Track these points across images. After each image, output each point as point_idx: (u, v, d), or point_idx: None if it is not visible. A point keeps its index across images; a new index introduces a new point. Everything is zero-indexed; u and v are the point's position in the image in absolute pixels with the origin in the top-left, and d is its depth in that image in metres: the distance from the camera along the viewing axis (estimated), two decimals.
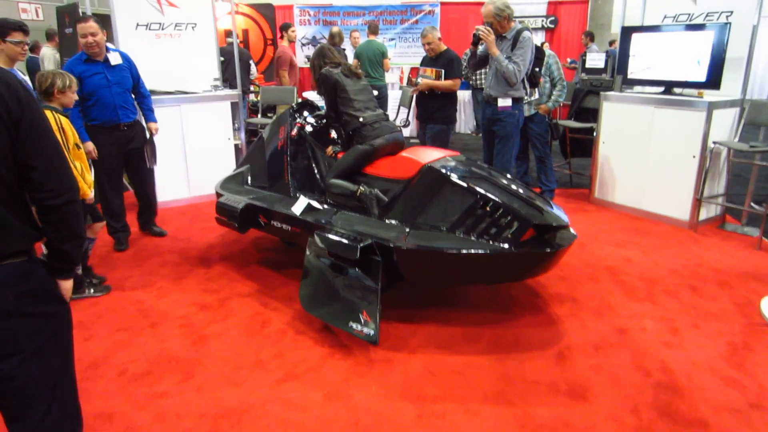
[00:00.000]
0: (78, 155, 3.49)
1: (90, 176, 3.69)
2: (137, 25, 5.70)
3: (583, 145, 6.50)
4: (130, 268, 4.17)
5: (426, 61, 5.47)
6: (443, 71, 5.22)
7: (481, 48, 4.86)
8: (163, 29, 5.82)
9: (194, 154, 5.86)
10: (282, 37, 8.33)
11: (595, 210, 5.64)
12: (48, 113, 3.33)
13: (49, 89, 3.41)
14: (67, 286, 1.84)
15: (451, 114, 5.40)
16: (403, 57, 11.08)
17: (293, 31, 8.29)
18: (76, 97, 3.57)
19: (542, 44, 9.84)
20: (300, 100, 5.12)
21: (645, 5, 5.65)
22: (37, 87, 3.44)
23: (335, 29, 7.95)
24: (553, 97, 5.66)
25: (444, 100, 5.30)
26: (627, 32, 5.47)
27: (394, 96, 8.80)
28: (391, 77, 9.14)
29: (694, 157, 4.91)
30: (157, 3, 5.78)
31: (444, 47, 5.37)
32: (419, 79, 5.31)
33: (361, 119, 3.74)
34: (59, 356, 1.80)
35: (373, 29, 8.09)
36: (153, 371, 2.91)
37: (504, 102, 4.89)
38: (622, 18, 5.87)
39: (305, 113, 4.27)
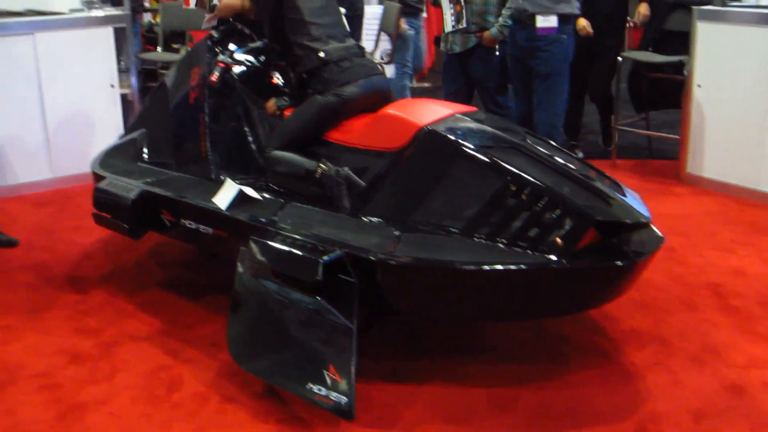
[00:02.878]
0: None
1: None
2: None
3: (669, 91, 6.45)
4: None
5: None
6: None
7: None
8: None
9: (58, 112, 5.78)
10: None
11: (688, 193, 5.63)
12: None
13: None
14: None
15: None
16: None
17: None
18: None
19: None
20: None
21: None
22: None
23: None
24: (501, 18, 5.44)
25: None
26: None
27: (372, 14, 8.62)
28: None
29: None
30: None
31: None
32: (215, 0, 5.05)
33: (321, 54, 3.72)
34: None
35: None
36: None
37: (546, 22, 4.88)
38: None
39: (232, 46, 4.21)
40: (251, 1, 4.02)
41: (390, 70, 7.71)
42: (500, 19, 5.37)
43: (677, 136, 6.06)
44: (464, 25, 5.28)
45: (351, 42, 3.85)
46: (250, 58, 4.14)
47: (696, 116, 5.69)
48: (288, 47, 3.83)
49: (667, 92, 6.52)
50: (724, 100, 5.52)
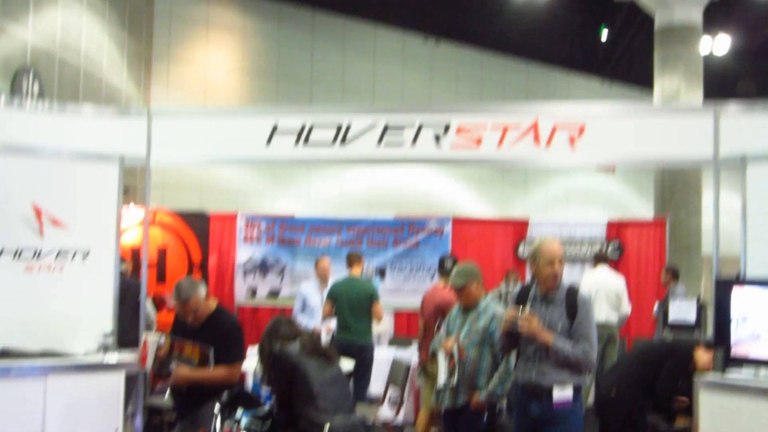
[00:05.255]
0: None
1: None
2: (2, 250, 5.80)
3: None
4: None
5: (189, 332, 5.20)
6: (212, 350, 4.96)
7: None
8: (38, 258, 5.93)
9: None
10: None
11: None
12: None
13: None
14: None
15: None
16: (397, 296, 11.19)
17: None
18: None
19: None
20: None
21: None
22: None
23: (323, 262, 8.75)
24: (491, 384, 5.23)
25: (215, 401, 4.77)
26: (724, 287, 5.57)
27: (381, 359, 8.64)
28: (378, 329, 9.19)
29: None
30: (35, 220, 5.92)
31: (213, 306, 5.18)
32: (172, 365, 5.10)
33: (326, 428, 3.77)
34: None
35: (355, 259, 8.42)
36: None
37: (562, 393, 4.81)
38: (715, 235, 5.98)
39: (239, 411, 4.24)
40: (263, 367, 4.13)
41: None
42: (490, 385, 5.24)
43: None
44: (454, 383, 5.23)
45: (358, 417, 3.91)
46: (256, 423, 4.17)
47: None
48: (294, 416, 3.88)
49: None
50: None
